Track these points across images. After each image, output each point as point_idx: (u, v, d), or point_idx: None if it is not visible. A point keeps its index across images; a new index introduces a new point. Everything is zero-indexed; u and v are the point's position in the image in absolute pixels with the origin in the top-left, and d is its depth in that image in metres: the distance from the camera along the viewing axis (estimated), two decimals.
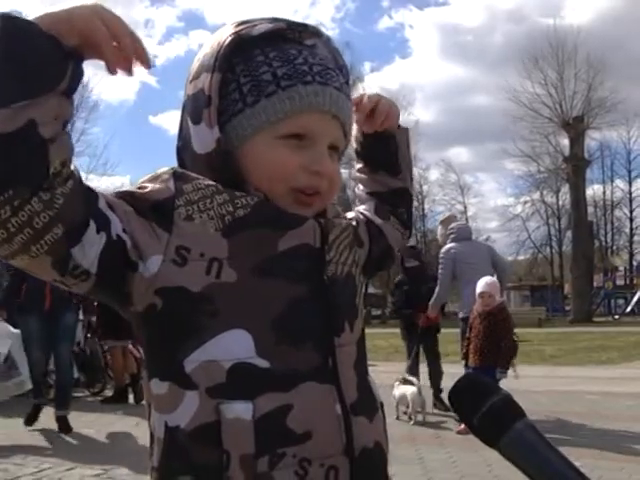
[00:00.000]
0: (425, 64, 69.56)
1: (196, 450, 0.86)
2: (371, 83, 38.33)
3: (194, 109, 0.93)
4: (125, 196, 0.87)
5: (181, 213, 0.86)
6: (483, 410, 0.79)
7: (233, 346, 0.86)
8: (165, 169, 0.92)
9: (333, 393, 0.90)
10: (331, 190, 0.95)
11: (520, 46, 43.42)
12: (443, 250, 6.47)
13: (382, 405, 1.03)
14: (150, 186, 0.88)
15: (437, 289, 6.37)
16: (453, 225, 6.71)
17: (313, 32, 0.96)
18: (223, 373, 0.85)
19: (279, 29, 0.93)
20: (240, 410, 0.84)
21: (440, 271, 6.41)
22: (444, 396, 6.56)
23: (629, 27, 50.24)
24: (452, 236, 6.51)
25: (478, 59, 64.02)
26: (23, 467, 4.48)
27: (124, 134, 69.47)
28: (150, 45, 70.38)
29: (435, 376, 6.72)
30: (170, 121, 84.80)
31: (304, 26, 0.96)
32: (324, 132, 0.93)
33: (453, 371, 6.15)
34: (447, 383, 6.40)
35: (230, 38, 0.91)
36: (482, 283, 5.52)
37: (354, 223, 1.09)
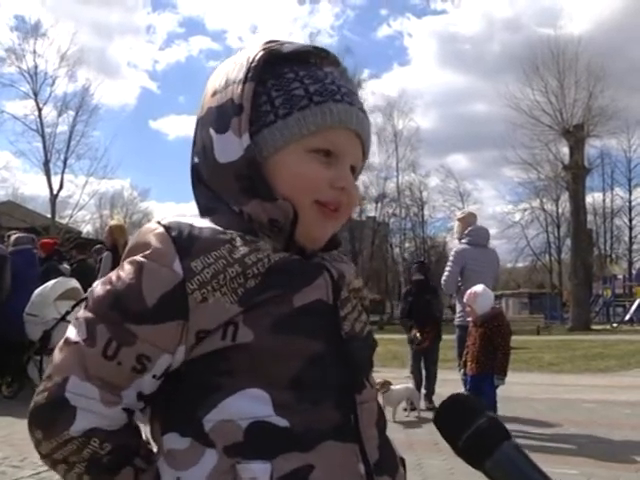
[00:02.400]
0: (424, 72, 70.03)
1: None
2: (370, 90, 38.39)
3: (220, 119, 0.93)
4: (142, 321, 0.84)
5: (196, 297, 0.84)
6: (468, 432, 0.80)
7: (250, 405, 0.84)
8: (157, 232, 0.87)
9: (356, 452, 0.88)
10: (349, 207, 0.96)
11: (517, 54, 43.67)
12: (456, 249, 6.38)
13: (403, 461, 1.02)
14: (152, 278, 0.84)
15: (444, 282, 6.33)
16: (473, 228, 6.49)
17: (333, 60, 0.99)
18: (240, 432, 0.83)
19: (306, 51, 0.96)
20: (258, 470, 0.82)
21: (448, 267, 6.33)
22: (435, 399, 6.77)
23: (626, 37, 50.52)
24: (469, 238, 6.35)
25: (476, 67, 64.36)
26: (21, 469, 4.46)
27: (124, 138, 69.87)
28: (151, 51, 70.67)
29: (430, 379, 7.08)
30: (170, 126, 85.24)
31: (327, 53, 0.99)
32: (349, 151, 0.95)
33: (451, 377, 6.18)
34: (444, 389, 6.40)
35: (261, 53, 0.93)
36: (466, 294, 5.56)
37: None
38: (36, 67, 33.17)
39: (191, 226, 0.88)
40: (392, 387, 6.20)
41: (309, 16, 70.79)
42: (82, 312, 0.88)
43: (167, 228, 0.87)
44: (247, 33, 66.35)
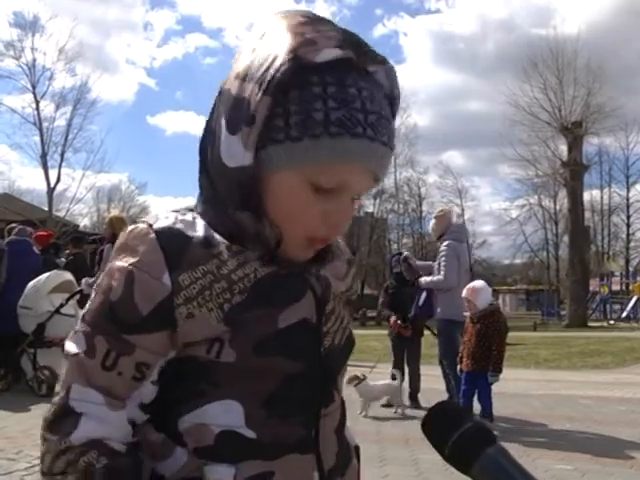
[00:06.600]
0: (419, 70, 70.06)
1: None
2: None
3: (232, 115, 0.86)
4: (135, 331, 0.86)
5: (182, 312, 0.86)
6: (454, 437, 0.80)
7: (224, 415, 0.88)
8: (148, 238, 0.86)
9: (312, 462, 0.93)
10: (339, 234, 0.94)
11: (511, 54, 43.58)
12: (450, 244, 6.39)
13: (357, 448, 1.05)
14: (143, 290, 0.85)
15: (444, 276, 6.27)
16: (456, 225, 6.70)
17: (380, 61, 0.88)
18: (212, 437, 0.88)
19: (346, 58, 0.84)
20: (222, 473, 0.87)
21: (445, 262, 6.33)
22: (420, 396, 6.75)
23: (618, 39, 50.61)
24: (455, 234, 6.49)
25: (470, 66, 64.45)
26: (16, 462, 4.46)
27: (122, 133, 69.77)
28: (149, 48, 70.56)
29: (412, 378, 6.97)
30: (167, 122, 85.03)
31: (373, 54, 0.88)
32: (356, 185, 0.88)
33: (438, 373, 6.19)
34: (439, 385, 6.40)
35: (289, 64, 0.82)
36: (465, 289, 5.57)
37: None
38: (34, 61, 33.03)
39: (181, 234, 0.88)
40: (368, 382, 6.21)
41: None
42: (80, 325, 0.89)
43: (158, 235, 0.87)
44: (244, 31, 66.16)
